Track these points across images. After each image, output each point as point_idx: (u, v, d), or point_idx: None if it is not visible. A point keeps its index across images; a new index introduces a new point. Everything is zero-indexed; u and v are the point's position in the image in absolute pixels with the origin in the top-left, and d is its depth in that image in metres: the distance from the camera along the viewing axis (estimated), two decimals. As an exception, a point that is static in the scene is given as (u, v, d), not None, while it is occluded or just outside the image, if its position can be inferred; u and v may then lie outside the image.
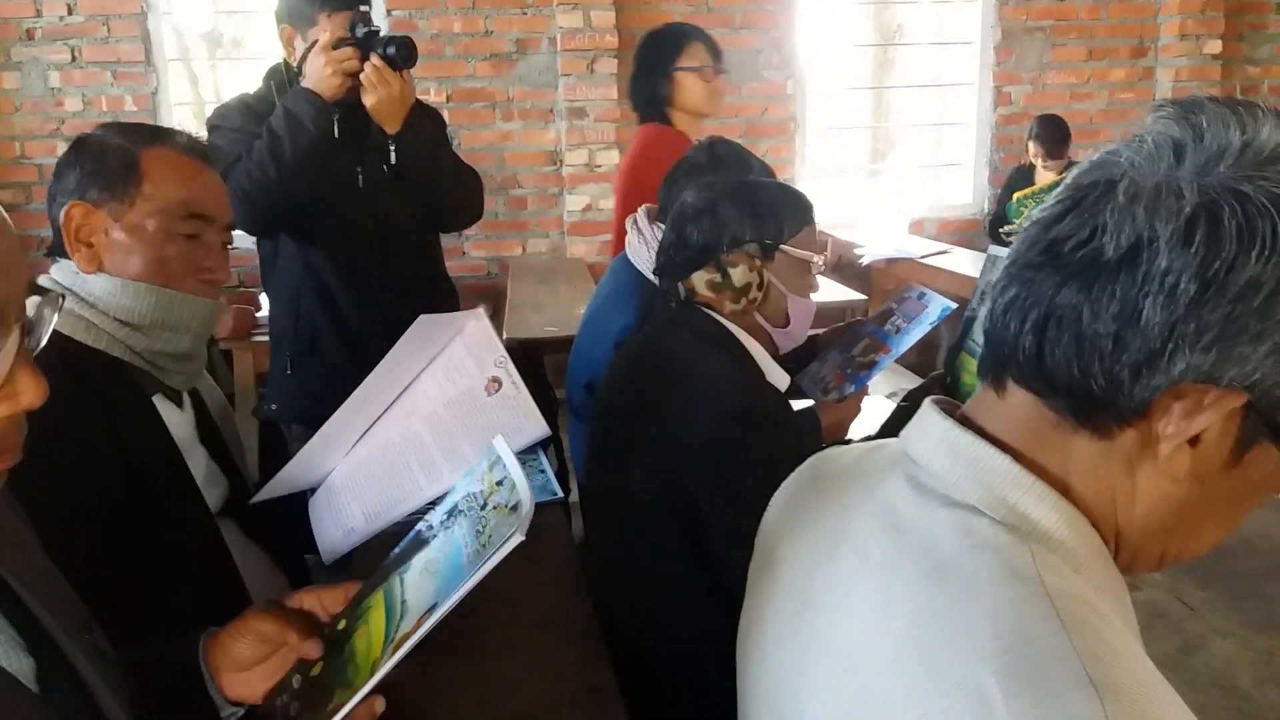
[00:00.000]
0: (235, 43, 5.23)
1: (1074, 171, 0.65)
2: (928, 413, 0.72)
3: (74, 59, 4.66)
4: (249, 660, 0.92)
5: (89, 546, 1.10)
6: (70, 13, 4.61)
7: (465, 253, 4.89)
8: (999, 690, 0.55)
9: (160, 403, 1.31)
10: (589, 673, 1.41)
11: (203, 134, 1.39)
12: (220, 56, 5.17)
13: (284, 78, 2.12)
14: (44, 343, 0.70)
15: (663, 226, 1.96)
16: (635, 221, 2.12)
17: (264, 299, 3.03)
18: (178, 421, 1.34)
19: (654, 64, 2.75)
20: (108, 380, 1.23)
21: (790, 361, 1.70)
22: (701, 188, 1.62)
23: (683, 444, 1.45)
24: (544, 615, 1.42)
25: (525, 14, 4.84)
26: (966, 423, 0.69)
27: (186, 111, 4.92)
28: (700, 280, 1.57)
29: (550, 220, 5.01)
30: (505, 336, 3.06)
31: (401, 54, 2.03)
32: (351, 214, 2.12)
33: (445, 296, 2.37)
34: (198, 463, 1.34)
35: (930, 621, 0.61)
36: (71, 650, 0.79)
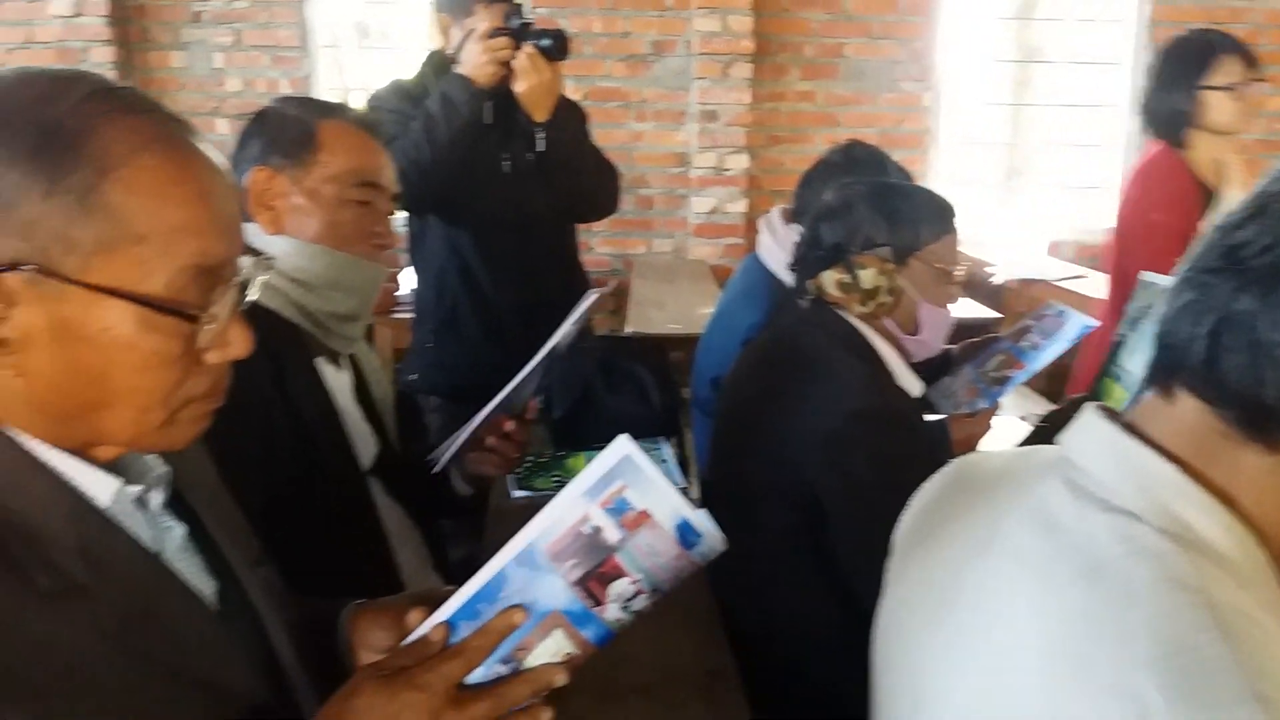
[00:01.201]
0: (382, 33, 5.44)
1: (1262, 181, 0.65)
2: (1091, 417, 0.72)
3: (236, 42, 4.92)
4: (383, 648, 0.92)
5: (258, 490, 1.19)
6: (236, -2, 4.88)
7: (592, 248, 4.98)
8: (1160, 698, 0.55)
9: (321, 365, 1.40)
10: (707, 657, 1.45)
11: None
12: (367, 45, 5.39)
13: (440, 64, 2.22)
14: (252, 299, 0.76)
15: (796, 226, 1.98)
16: (769, 220, 2.14)
17: (403, 277, 3.16)
18: (336, 382, 1.42)
19: (1177, 79, 2.38)
20: (279, 339, 1.31)
21: (923, 373, 1.69)
22: (841, 187, 1.63)
23: (808, 439, 1.47)
24: (665, 599, 1.45)
25: (663, 16, 4.90)
26: (1131, 429, 0.68)
27: (334, 97, 5.14)
28: (830, 280, 1.57)
29: (675, 221, 5.06)
30: (629, 330, 3.12)
31: (556, 46, 2.12)
32: (496, 198, 2.21)
33: (577, 284, 2.44)
34: (354, 423, 1.42)
35: (1083, 623, 0.61)
36: (247, 579, 0.86)
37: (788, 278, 1.80)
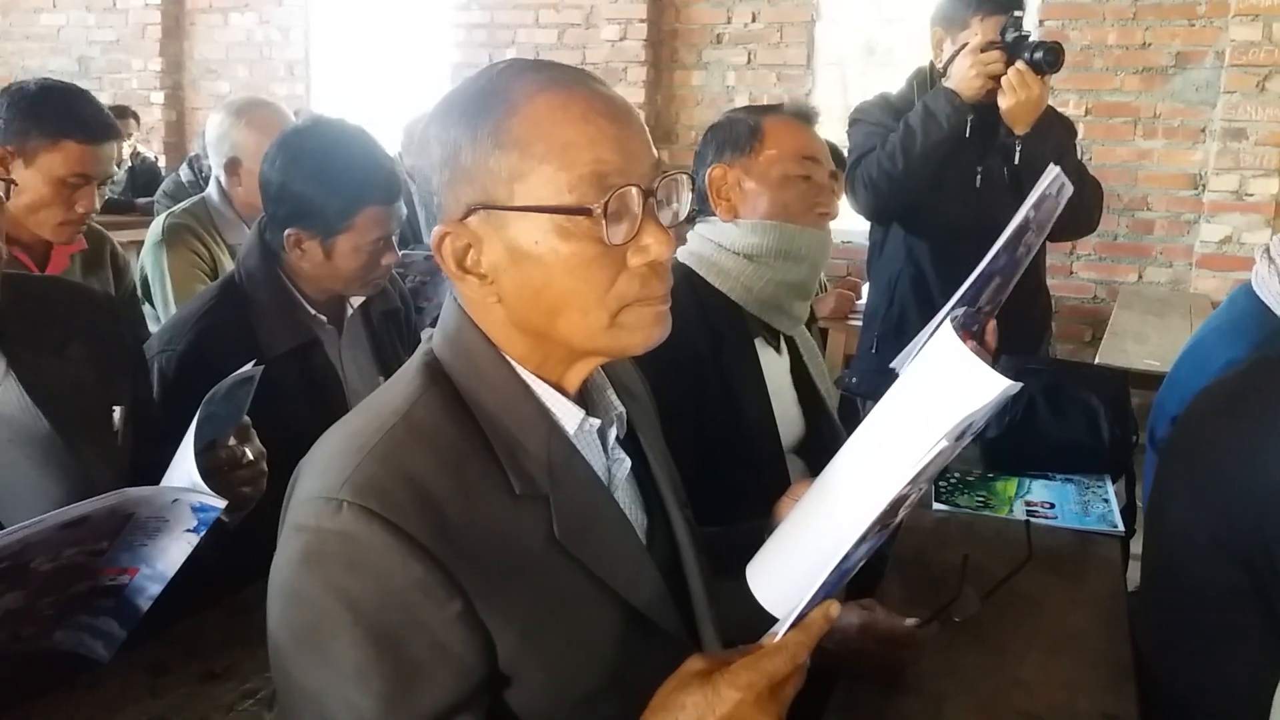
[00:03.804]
0: (887, 50, 5.56)
1: None
2: None
3: (748, 61, 5.35)
4: None
5: (683, 445, 1.35)
6: (754, 20, 5.29)
7: (1072, 272, 4.68)
8: None
9: (761, 346, 1.55)
10: (1107, 701, 1.37)
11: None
12: (872, 63, 5.53)
13: (926, 78, 2.28)
14: (681, 214, 0.87)
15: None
16: (1268, 249, 1.91)
17: (866, 288, 3.25)
18: (773, 363, 1.57)
19: None
20: (723, 316, 1.50)
21: None
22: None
23: (1270, 491, 1.32)
24: (1075, 632, 1.40)
25: (1193, 25, 4.44)
26: None
27: (833, 114, 5.36)
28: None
29: (1177, 249, 4.57)
30: (1097, 361, 2.92)
31: (1049, 59, 2.08)
32: (963, 210, 2.21)
33: (1041, 307, 2.36)
34: (785, 404, 1.56)
35: None
36: (675, 518, 0.99)
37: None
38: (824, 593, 0.77)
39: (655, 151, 0.86)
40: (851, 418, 2.36)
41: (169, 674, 1.19)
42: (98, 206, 1.79)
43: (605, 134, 0.81)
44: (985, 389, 0.80)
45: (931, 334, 1.61)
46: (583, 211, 0.79)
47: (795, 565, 0.92)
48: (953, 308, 1.66)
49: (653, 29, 5.36)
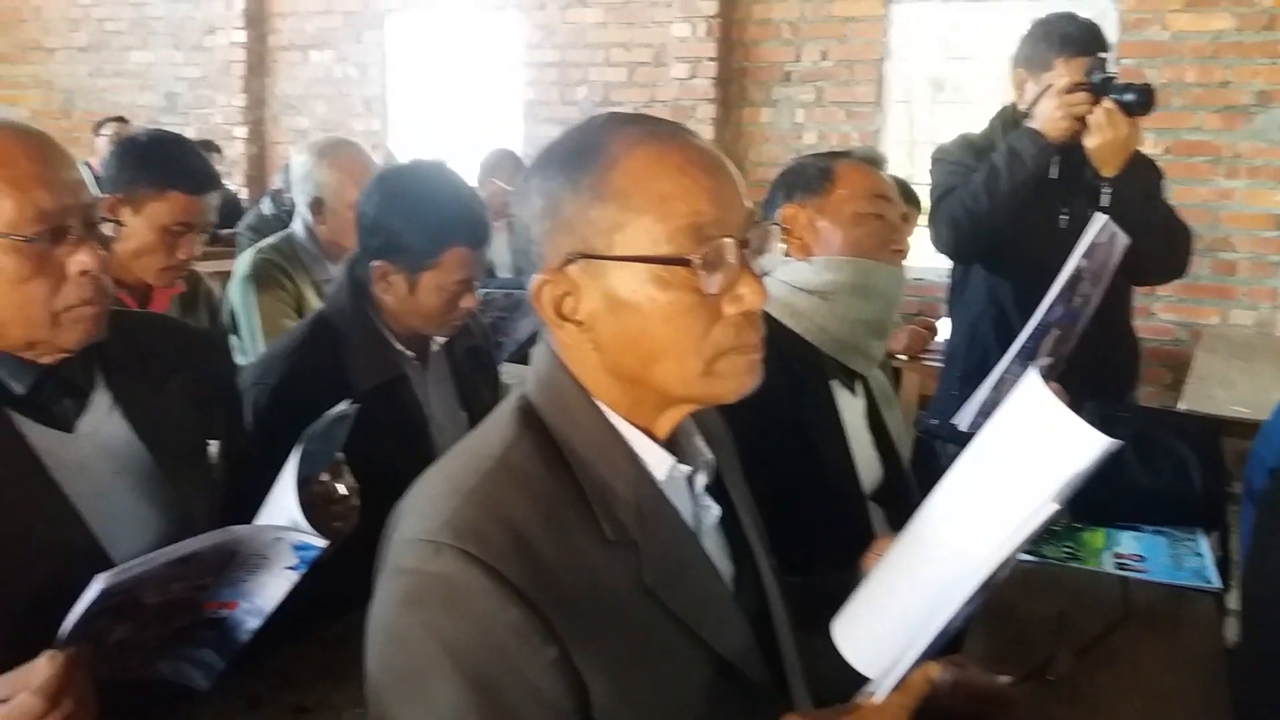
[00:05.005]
0: (956, 88, 5.52)
1: None
2: None
3: (817, 99, 5.35)
4: None
5: (762, 493, 1.34)
6: (824, 58, 5.30)
7: (1153, 313, 4.57)
8: None
9: (836, 388, 1.54)
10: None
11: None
12: (939, 100, 5.50)
13: (1010, 119, 2.26)
14: (764, 265, 0.89)
15: None
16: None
17: (941, 325, 3.22)
18: (849, 406, 1.55)
19: None
20: (798, 358, 1.49)
21: None
22: None
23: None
24: (1171, 692, 1.35)
25: (1275, 64, 4.34)
26: None
27: (900, 150, 5.34)
28: None
29: (1262, 291, 4.44)
30: (1183, 406, 2.84)
31: (1140, 101, 2.05)
32: (1047, 252, 2.17)
33: (1126, 350, 2.31)
34: (863, 448, 1.54)
35: None
36: (763, 568, 0.99)
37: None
38: (925, 655, 0.76)
39: (747, 201, 0.87)
40: (930, 460, 2.33)
41: (263, 706, 1.21)
42: (198, 253, 1.86)
43: (701, 186, 0.83)
44: (1087, 448, 0.78)
45: (993, 387, 1.59)
46: (681, 262, 0.81)
47: (887, 625, 0.91)
48: (1011, 363, 1.63)
49: (722, 67, 5.40)
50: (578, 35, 5.83)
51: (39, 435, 1.14)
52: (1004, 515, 0.80)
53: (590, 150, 0.85)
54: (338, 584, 1.06)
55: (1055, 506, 0.76)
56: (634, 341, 0.84)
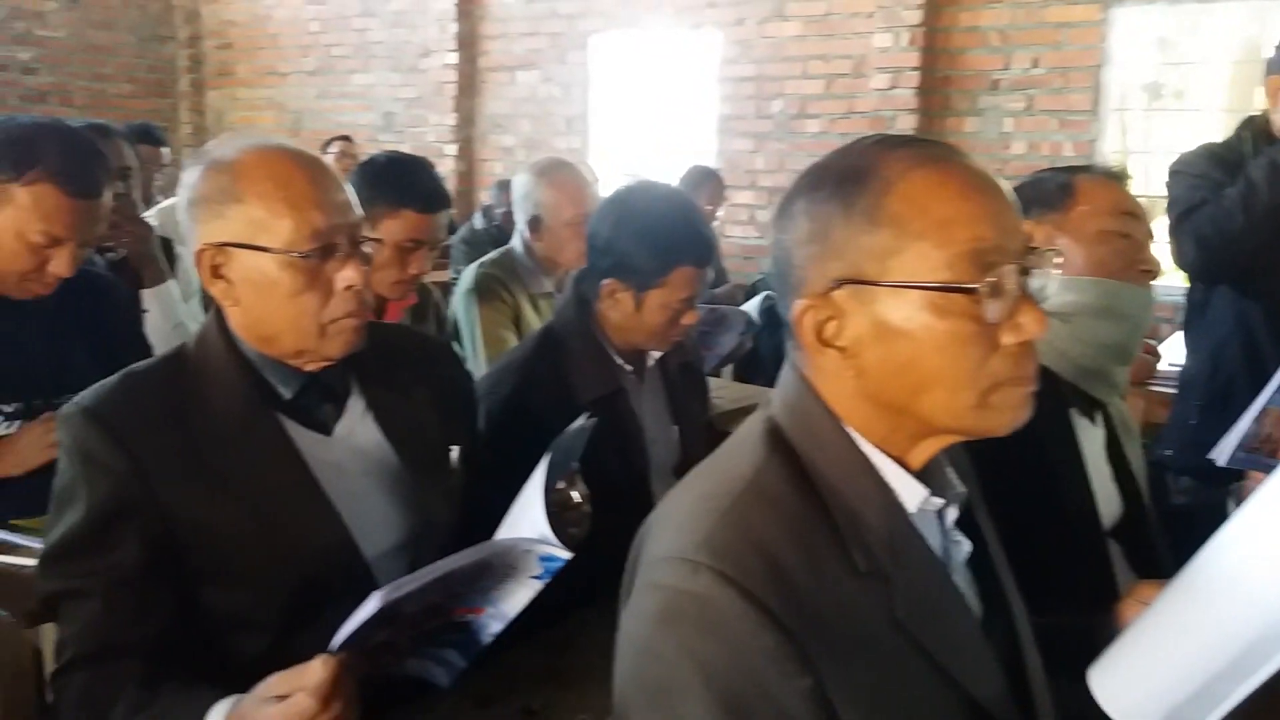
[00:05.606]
0: (1176, 94, 5.16)
1: None
2: None
3: (1028, 107, 5.12)
4: None
5: (998, 525, 1.28)
6: (1035, 65, 5.07)
7: None
8: None
9: (1075, 416, 1.45)
10: None
11: None
12: (1157, 108, 5.15)
13: (1261, 130, 2.09)
14: (1046, 290, 0.85)
15: None
16: None
17: (1164, 349, 2.99)
18: (1089, 437, 1.46)
19: None
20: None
21: None
22: None
23: None
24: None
25: None
26: None
27: (1113, 160, 5.04)
28: None
29: None
30: None
31: None
32: None
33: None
34: (1103, 481, 1.44)
35: None
36: (1015, 607, 0.94)
37: None
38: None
39: (1025, 225, 0.84)
40: (1160, 494, 2.17)
41: (492, 705, 1.26)
42: (429, 268, 1.97)
43: (984, 210, 0.81)
44: None
45: (1255, 419, 1.45)
46: (966, 290, 0.79)
47: (1160, 679, 0.85)
48: (1275, 393, 1.49)
49: (925, 76, 5.26)
50: (775, 49, 5.81)
51: (302, 436, 1.24)
52: None
53: (862, 174, 0.83)
54: (560, 588, 1.09)
55: None
56: (902, 369, 0.82)
